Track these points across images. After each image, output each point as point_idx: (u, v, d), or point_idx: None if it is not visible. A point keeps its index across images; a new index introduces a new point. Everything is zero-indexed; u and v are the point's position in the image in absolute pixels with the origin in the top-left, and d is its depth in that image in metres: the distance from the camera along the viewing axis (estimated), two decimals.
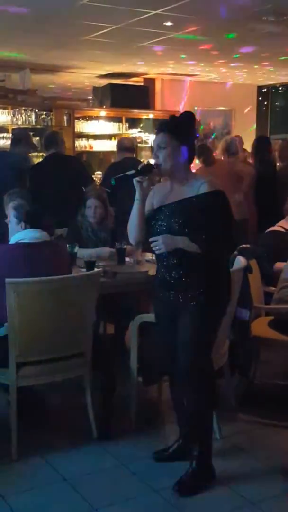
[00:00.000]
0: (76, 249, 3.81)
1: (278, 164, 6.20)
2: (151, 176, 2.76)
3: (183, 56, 7.99)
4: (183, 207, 2.65)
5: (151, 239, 2.66)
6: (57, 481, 2.79)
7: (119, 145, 5.71)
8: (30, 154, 5.84)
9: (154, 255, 2.88)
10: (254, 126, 10.78)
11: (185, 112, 2.85)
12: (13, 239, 3.10)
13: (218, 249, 2.69)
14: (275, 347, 3.67)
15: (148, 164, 2.82)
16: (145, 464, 2.92)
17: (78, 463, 2.94)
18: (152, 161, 2.83)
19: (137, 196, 2.74)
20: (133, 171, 2.72)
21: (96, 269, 3.38)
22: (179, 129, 2.71)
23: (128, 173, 2.73)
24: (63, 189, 4.95)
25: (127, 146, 5.59)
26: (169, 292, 2.71)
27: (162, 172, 2.71)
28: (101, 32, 6.41)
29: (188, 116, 2.78)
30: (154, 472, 2.86)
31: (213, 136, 10.13)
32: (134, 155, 5.78)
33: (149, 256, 3.84)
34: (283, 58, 8.08)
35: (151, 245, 2.67)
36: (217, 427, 3.11)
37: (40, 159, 6.41)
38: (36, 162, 6.07)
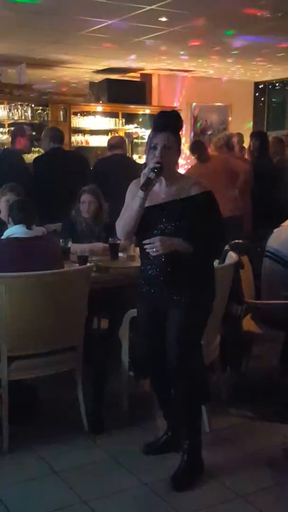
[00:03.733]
0: (70, 244, 3.83)
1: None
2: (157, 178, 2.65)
3: (179, 51, 7.99)
4: (176, 208, 2.65)
5: (146, 241, 2.62)
6: (47, 474, 2.81)
7: (108, 145, 5.85)
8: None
9: (139, 251, 2.84)
10: (251, 123, 10.77)
11: (174, 111, 2.87)
12: (5, 234, 3.12)
13: (211, 249, 2.72)
14: (265, 341, 3.69)
15: (160, 166, 2.61)
16: (135, 457, 2.94)
17: (68, 456, 2.97)
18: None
19: (143, 195, 2.62)
20: (153, 174, 2.57)
21: (89, 264, 3.40)
22: (179, 130, 2.73)
23: (151, 175, 2.58)
24: (63, 183, 4.99)
25: (113, 144, 5.70)
26: (156, 288, 2.72)
27: (163, 172, 2.62)
28: (97, 27, 6.41)
29: (178, 116, 2.79)
30: (144, 465, 2.89)
31: (209, 132, 10.15)
32: (123, 151, 5.83)
33: None
34: (279, 54, 8.08)
35: (146, 247, 2.62)
36: (207, 421, 3.14)
37: (35, 154, 6.44)
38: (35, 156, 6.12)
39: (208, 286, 2.76)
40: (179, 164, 2.87)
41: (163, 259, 2.65)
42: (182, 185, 2.69)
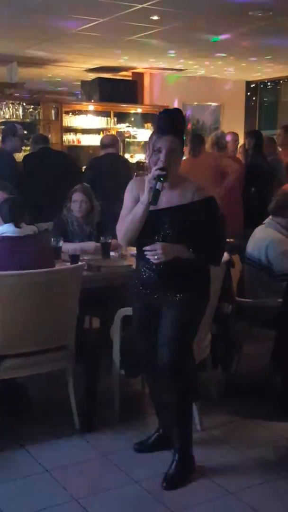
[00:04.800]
0: (61, 243, 3.82)
1: None
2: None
3: (171, 50, 7.99)
4: (179, 213, 2.61)
5: (147, 248, 2.58)
6: (38, 472, 2.81)
7: (101, 143, 5.89)
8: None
9: (136, 251, 2.82)
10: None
11: (176, 109, 2.76)
12: None
13: (211, 256, 2.71)
14: (256, 340, 3.71)
15: (159, 187, 2.53)
16: (126, 455, 2.95)
17: (60, 454, 2.97)
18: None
19: (145, 200, 2.57)
20: (160, 185, 2.50)
21: (80, 263, 3.40)
22: (183, 132, 2.67)
23: (158, 186, 2.51)
24: (49, 181, 5.06)
25: (107, 143, 5.73)
26: (151, 290, 2.71)
27: (168, 176, 2.54)
28: (88, 25, 6.40)
29: (180, 115, 2.70)
30: (135, 463, 2.90)
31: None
32: (116, 150, 5.86)
33: (134, 250, 3.86)
34: (270, 53, 8.11)
35: (148, 254, 2.58)
36: (198, 419, 3.15)
37: (26, 153, 6.44)
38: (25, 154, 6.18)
39: (204, 289, 2.75)
40: None
41: (161, 266, 2.63)
42: (186, 190, 2.63)
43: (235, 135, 7.21)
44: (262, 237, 3.73)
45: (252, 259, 3.72)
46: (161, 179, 2.51)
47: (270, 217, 3.82)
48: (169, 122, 2.61)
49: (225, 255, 3.45)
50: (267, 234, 3.73)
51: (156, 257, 2.56)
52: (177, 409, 2.76)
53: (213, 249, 2.69)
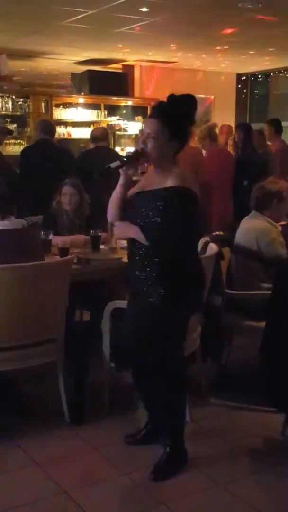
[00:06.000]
0: (51, 236, 3.81)
1: None
2: (137, 164, 2.65)
3: (161, 42, 7.96)
4: (149, 198, 2.58)
5: (115, 223, 2.66)
6: (28, 465, 2.81)
7: (91, 136, 5.87)
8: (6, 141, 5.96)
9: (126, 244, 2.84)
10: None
11: (186, 95, 2.58)
12: None
13: (160, 250, 2.55)
14: (246, 332, 3.72)
15: (134, 154, 2.63)
16: (117, 448, 2.96)
17: (50, 447, 2.97)
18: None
19: (120, 181, 2.65)
20: (118, 163, 2.60)
21: (69, 256, 3.39)
22: (175, 119, 2.53)
23: (112, 165, 2.60)
24: (49, 175, 4.99)
25: (97, 136, 5.69)
26: (133, 285, 2.70)
27: (149, 159, 2.59)
28: (77, 17, 6.36)
29: (188, 101, 2.57)
30: (125, 455, 2.90)
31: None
32: (107, 143, 5.82)
33: (124, 243, 3.86)
34: (259, 50, 8.09)
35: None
36: (188, 411, 3.16)
37: (17, 146, 6.43)
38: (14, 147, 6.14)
39: (185, 286, 2.61)
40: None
41: (137, 258, 2.62)
42: (167, 176, 2.58)
43: (229, 128, 7.21)
44: (251, 227, 3.78)
45: (241, 249, 3.75)
46: (124, 159, 2.61)
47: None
48: (156, 107, 2.61)
49: (215, 247, 3.46)
50: (255, 225, 3.78)
51: (115, 232, 2.66)
52: (166, 403, 2.77)
53: (163, 243, 2.52)
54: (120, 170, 2.63)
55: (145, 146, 2.56)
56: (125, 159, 2.61)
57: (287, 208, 4.01)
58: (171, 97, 2.58)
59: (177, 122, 2.55)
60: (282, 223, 4.06)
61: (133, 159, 2.61)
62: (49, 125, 5.57)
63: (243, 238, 3.79)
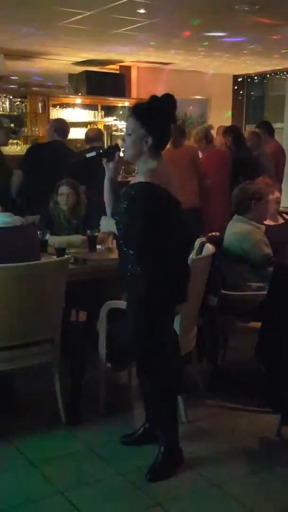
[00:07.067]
0: (48, 236, 3.82)
1: None
2: (115, 159, 2.79)
3: (159, 44, 7.97)
4: (123, 194, 2.64)
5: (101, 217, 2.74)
6: (24, 465, 2.81)
7: (85, 137, 5.78)
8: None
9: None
10: (230, 112, 10.78)
11: (165, 95, 2.65)
12: None
13: (129, 244, 2.55)
14: (242, 333, 3.73)
15: (111, 148, 2.86)
16: (112, 448, 2.96)
17: (45, 448, 2.97)
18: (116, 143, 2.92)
19: (106, 175, 2.81)
20: (93, 153, 2.87)
21: (66, 256, 3.39)
22: (149, 116, 2.60)
23: (88, 155, 2.90)
24: (55, 176, 4.94)
25: (92, 137, 5.65)
26: (123, 283, 2.73)
27: (125, 157, 2.68)
28: (74, 18, 6.36)
29: (166, 101, 2.63)
30: (121, 456, 2.90)
31: (188, 122, 10.15)
32: (101, 144, 5.77)
33: None
34: (256, 51, 8.11)
35: None
36: (184, 411, 3.16)
37: (13, 146, 6.41)
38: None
39: (147, 288, 2.55)
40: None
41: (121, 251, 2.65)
42: (139, 171, 2.70)
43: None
44: (235, 231, 3.83)
45: (229, 253, 3.78)
46: (100, 151, 2.86)
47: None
48: (136, 105, 2.72)
49: (211, 248, 3.47)
50: (237, 229, 3.82)
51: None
52: (156, 404, 2.78)
53: (124, 237, 2.57)
54: (105, 164, 2.79)
55: (124, 142, 2.68)
56: (100, 151, 2.86)
57: (268, 208, 4.03)
58: (151, 97, 2.68)
59: (153, 119, 2.61)
60: (268, 223, 4.09)
61: (108, 152, 2.81)
62: (63, 126, 5.36)
63: (227, 242, 3.83)
